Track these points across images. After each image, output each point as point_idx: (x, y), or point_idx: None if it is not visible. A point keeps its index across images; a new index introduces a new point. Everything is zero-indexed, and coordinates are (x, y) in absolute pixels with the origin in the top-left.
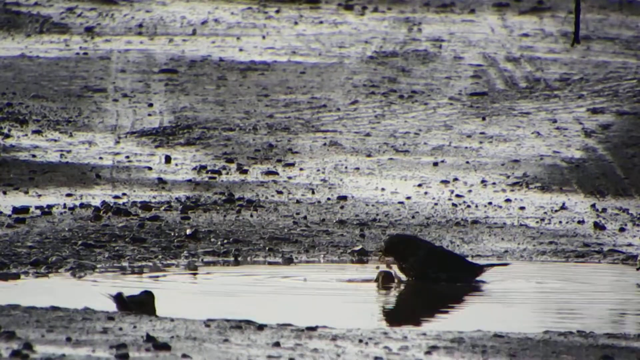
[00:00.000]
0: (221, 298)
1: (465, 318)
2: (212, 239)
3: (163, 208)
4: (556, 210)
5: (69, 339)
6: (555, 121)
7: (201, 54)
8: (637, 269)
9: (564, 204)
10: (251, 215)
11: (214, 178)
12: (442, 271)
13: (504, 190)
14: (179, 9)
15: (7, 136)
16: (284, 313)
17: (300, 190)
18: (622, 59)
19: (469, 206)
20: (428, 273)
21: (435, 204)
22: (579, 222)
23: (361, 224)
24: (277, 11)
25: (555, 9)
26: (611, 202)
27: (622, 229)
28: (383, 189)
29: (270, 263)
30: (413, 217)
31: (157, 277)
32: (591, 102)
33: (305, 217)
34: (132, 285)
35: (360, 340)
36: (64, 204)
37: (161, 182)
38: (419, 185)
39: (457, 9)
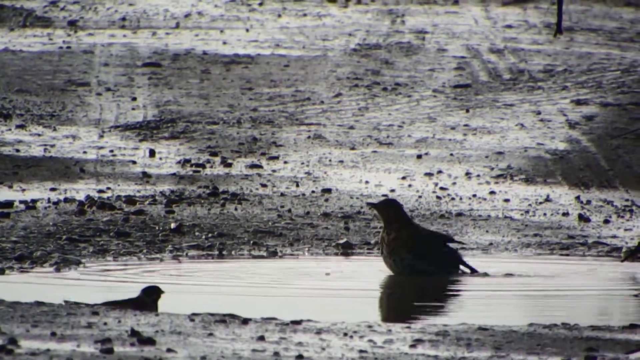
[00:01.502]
0: (205, 292)
1: (450, 311)
2: (197, 233)
3: (147, 202)
4: (541, 203)
5: (53, 334)
6: (539, 113)
7: (185, 47)
8: (622, 261)
9: (548, 196)
10: (235, 209)
11: (198, 172)
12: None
13: (488, 183)
14: (162, 2)
15: None
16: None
17: (284, 184)
18: (606, 50)
19: (453, 199)
20: (403, 259)
21: (420, 196)
22: (563, 214)
23: (345, 217)
24: (261, 4)
25: (538, 0)
26: (596, 194)
27: (606, 221)
28: (367, 182)
29: (254, 257)
30: None
31: (141, 270)
32: (575, 94)
33: (289, 210)
34: (117, 279)
35: (345, 334)
36: (48, 199)
37: (145, 176)
38: (403, 178)
39: (441, 0)
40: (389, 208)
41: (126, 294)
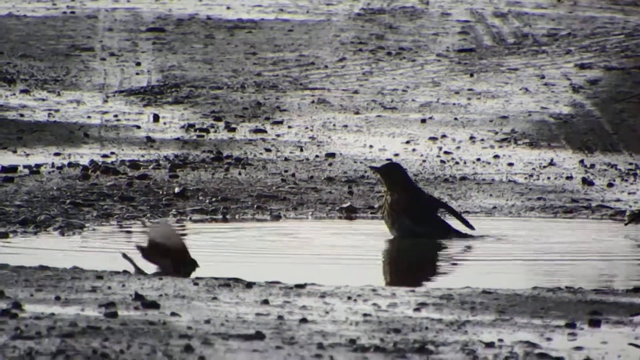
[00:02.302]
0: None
1: (454, 275)
2: (201, 197)
3: (151, 167)
4: (544, 166)
5: (57, 298)
6: (543, 77)
7: (188, 12)
8: (626, 224)
9: (552, 160)
10: (239, 173)
11: (202, 136)
12: (417, 224)
13: (492, 147)
14: None
15: None
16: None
17: (288, 148)
18: (610, 14)
19: (457, 163)
20: (402, 222)
21: (424, 160)
22: (567, 177)
23: (349, 181)
24: None
25: None
26: (599, 158)
27: (610, 185)
28: (371, 146)
29: (258, 220)
30: None
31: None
32: (579, 58)
33: (293, 175)
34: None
35: (349, 298)
36: (52, 163)
37: (149, 141)
38: (407, 142)
39: None
40: (391, 172)
41: (131, 256)
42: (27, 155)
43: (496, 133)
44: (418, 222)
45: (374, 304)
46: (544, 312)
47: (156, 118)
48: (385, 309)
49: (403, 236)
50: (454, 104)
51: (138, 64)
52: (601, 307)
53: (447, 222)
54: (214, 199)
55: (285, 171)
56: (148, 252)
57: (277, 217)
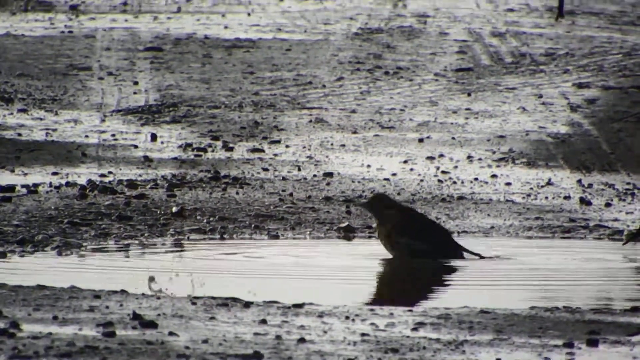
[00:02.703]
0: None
1: (452, 295)
2: (198, 217)
3: (149, 186)
4: (542, 186)
5: (55, 318)
6: (541, 96)
7: (186, 32)
8: (624, 244)
9: (550, 179)
10: (237, 193)
11: (200, 156)
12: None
13: (489, 166)
14: None
15: None
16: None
17: (286, 167)
18: (607, 34)
19: (454, 182)
20: (399, 242)
21: (421, 180)
22: (565, 197)
23: (347, 201)
24: None
25: None
26: (597, 177)
27: (608, 204)
28: (369, 166)
29: (256, 239)
30: (399, 193)
31: (144, 254)
32: (577, 77)
33: (291, 194)
34: (119, 261)
35: (347, 317)
36: (50, 183)
37: (147, 160)
38: (405, 162)
39: None
40: (377, 203)
41: (129, 276)
42: (25, 174)
43: (494, 152)
44: (419, 238)
45: (372, 324)
46: (541, 331)
47: (154, 137)
48: (383, 329)
49: (403, 255)
50: (452, 123)
51: (136, 83)
52: (599, 326)
53: (447, 234)
54: (211, 219)
55: (283, 190)
56: None
57: (274, 237)
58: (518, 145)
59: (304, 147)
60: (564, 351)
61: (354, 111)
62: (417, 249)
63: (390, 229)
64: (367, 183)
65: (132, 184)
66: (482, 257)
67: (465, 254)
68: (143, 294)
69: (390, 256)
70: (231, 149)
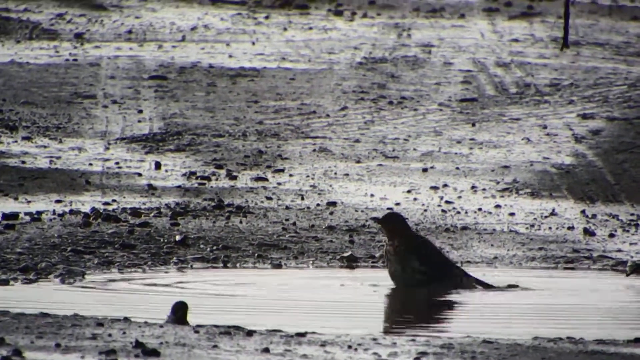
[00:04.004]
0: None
1: (455, 324)
2: (202, 245)
3: (153, 214)
4: (546, 216)
5: (58, 345)
6: (545, 127)
7: (191, 60)
8: (627, 275)
9: (553, 209)
10: (240, 222)
11: (204, 184)
12: (425, 265)
13: (493, 196)
14: (169, 15)
15: None
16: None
17: (289, 196)
18: (612, 65)
19: (458, 212)
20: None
21: (425, 210)
22: (568, 228)
23: (350, 230)
24: (267, 17)
25: (545, 14)
26: (601, 208)
27: (611, 235)
28: (372, 195)
29: (259, 268)
30: None
31: (146, 282)
32: (581, 108)
33: (294, 223)
34: (123, 290)
35: (350, 346)
36: (54, 210)
37: (151, 188)
38: (409, 191)
39: (447, 14)
40: (392, 221)
41: (132, 305)
42: (29, 202)
43: (498, 183)
44: (426, 264)
45: (375, 353)
46: None
47: (158, 166)
48: (385, 358)
49: (407, 281)
50: (456, 153)
51: (140, 111)
52: (602, 357)
53: (452, 262)
54: (215, 247)
55: (286, 220)
56: None
57: (277, 266)
58: (522, 176)
59: (308, 176)
60: None
61: (357, 140)
62: (424, 272)
63: (400, 247)
64: (370, 212)
65: (135, 212)
66: (492, 288)
67: (475, 284)
68: (146, 322)
69: (392, 284)
70: (235, 178)
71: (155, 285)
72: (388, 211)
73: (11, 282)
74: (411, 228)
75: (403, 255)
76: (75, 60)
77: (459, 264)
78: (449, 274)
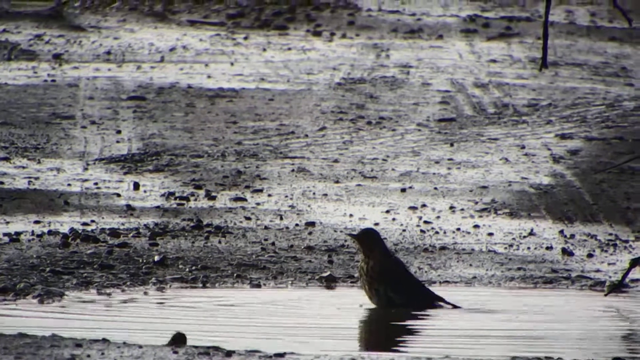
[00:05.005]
0: (189, 323)
1: (434, 344)
2: (180, 266)
3: (131, 234)
4: (524, 236)
5: None
6: (523, 147)
7: (169, 81)
8: (605, 295)
9: (532, 230)
10: (219, 242)
11: (183, 204)
12: (395, 293)
13: (472, 216)
14: (147, 35)
15: None
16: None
17: (268, 217)
18: (590, 85)
19: (437, 232)
20: (379, 290)
21: (404, 230)
22: (547, 248)
23: (329, 250)
24: (246, 38)
25: (523, 34)
26: (579, 228)
27: (590, 255)
28: (351, 215)
29: (237, 289)
30: None
31: (126, 302)
32: (559, 128)
33: (273, 243)
34: (100, 312)
35: None
36: (32, 231)
37: (130, 209)
38: (387, 212)
39: (425, 35)
40: (368, 237)
41: (110, 324)
42: (7, 223)
43: (476, 203)
44: (396, 291)
45: None
46: None
47: (136, 186)
48: None
49: (382, 304)
50: (434, 173)
51: (119, 132)
52: None
53: (426, 288)
54: (193, 268)
55: (265, 240)
56: None
57: (256, 286)
58: (500, 196)
59: (286, 197)
60: None
61: (336, 161)
62: (396, 300)
63: (370, 271)
64: (349, 232)
65: (114, 233)
66: (456, 307)
67: (441, 304)
68: (125, 343)
69: (371, 305)
70: (214, 198)
71: (133, 305)
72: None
73: None
74: (386, 246)
75: (376, 278)
76: (53, 80)
77: (436, 284)
78: (420, 297)
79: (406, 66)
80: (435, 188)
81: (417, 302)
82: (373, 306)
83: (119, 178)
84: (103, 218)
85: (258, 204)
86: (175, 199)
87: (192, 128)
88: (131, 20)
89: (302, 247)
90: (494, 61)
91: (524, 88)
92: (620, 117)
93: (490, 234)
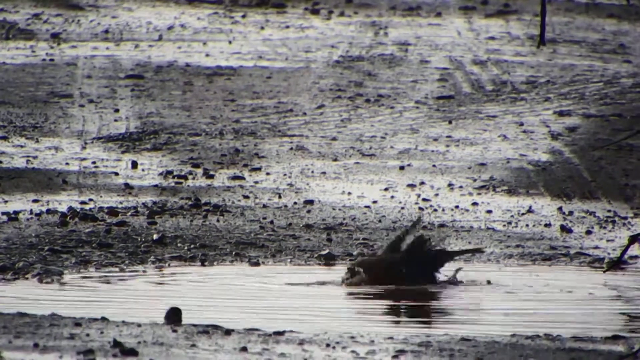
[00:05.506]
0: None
1: (433, 322)
2: (179, 244)
3: (130, 213)
4: (523, 214)
5: (36, 345)
6: (521, 124)
7: (167, 60)
8: (604, 272)
9: (530, 207)
10: (218, 220)
11: (181, 183)
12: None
13: (470, 194)
14: (145, 14)
15: None
16: (251, 317)
17: (266, 195)
18: (589, 62)
19: (435, 210)
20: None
21: (402, 207)
22: (545, 225)
23: (328, 228)
24: (244, 16)
25: (521, 11)
26: (578, 205)
27: (588, 232)
28: (350, 193)
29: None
30: (380, 221)
31: (124, 281)
32: (558, 105)
33: (271, 222)
34: (101, 290)
35: (328, 345)
36: (31, 210)
37: (128, 188)
38: (386, 189)
39: (424, 12)
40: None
41: (109, 303)
42: (6, 202)
43: (474, 180)
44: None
45: (353, 351)
46: (522, 359)
47: (134, 165)
48: (363, 356)
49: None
50: (433, 151)
51: (116, 110)
52: (580, 354)
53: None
54: (192, 246)
55: (264, 218)
56: None
57: (255, 264)
58: (499, 173)
59: (285, 175)
60: None
61: (334, 139)
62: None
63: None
64: (347, 210)
65: (112, 212)
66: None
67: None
68: (124, 322)
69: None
70: (212, 177)
71: (132, 283)
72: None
73: None
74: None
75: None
76: (51, 60)
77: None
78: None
79: (404, 44)
80: (434, 165)
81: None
82: (372, 285)
83: (117, 157)
84: (101, 197)
85: (256, 182)
86: (174, 177)
87: (190, 106)
88: None
89: (301, 225)
90: (492, 38)
91: (522, 65)
92: (618, 94)
93: (489, 211)
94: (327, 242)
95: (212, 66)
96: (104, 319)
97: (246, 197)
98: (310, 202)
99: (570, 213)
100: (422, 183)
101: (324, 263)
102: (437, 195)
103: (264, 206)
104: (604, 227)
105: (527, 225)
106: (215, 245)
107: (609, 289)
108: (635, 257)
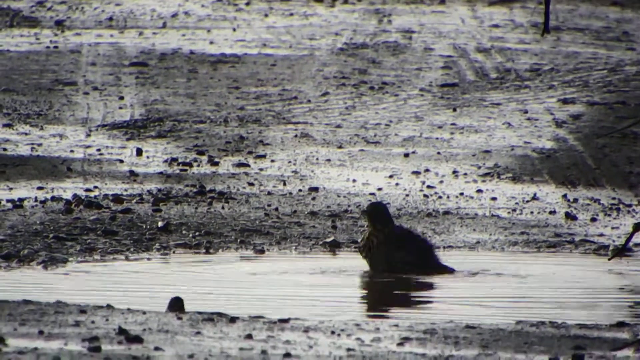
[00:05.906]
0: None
1: (438, 309)
2: (184, 231)
3: (135, 201)
4: (527, 201)
5: (41, 332)
6: (526, 112)
7: (172, 47)
8: (609, 259)
9: (535, 194)
10: (222, 207)
11: (185, 170)
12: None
13: (475, 181)
14: (149, 1)
15: None
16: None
17: (271, 182)
18: (592, 50)
19: (440, 197)
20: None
21: (407, 195)
22: (550, 212)
23: (333, 215)
24: (248, 3)
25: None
26: (582, 192)
27: (593, 219)
28: (354, 180)
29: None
30: None
31: (129, 268)
32: (562, 93)
33: (276, 209)
34: (105, 273)
35: (333, 332)
36: (36, 197)
37: (133, 175)
38: (390, 177)
39: (427, 0)
40: (375, 210)
41: (114, 290)
42: (10, 189)
43: (479, 167)
44: (410, 252)
45: (358, 339)
46: (527, 347)
47: (139, 152)
48: (368, 344)
49: (389, 268)
50: (437, 138)
51: (121, 98)
52: (585, 342)
53: (435, 254)
54: (197, 233)
55: (269, 205)
56: None
57: (260, 252)
58: (503, 161)
59: (290, 162)
60: None
61: (339, 126)
62: (408, 260)
63: (386, 238)
64: (352, 198)
65: (117, 199)
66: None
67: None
68: (129, 309)
69: (372, 271)
70: (217, 164)
71: (137, 271)
72: (372, 201)
73: None
74: (392, 220)
75: (390, 246)
76: (56, 47)
77: (440, 249)
78: (432, 262)
79: (408, 31)
80: (438, 153)
81: (425, 262)
82: (376, 272)
83: (121, 144)
84: (106, 184)
85: (261, 169)
86: (178, 164)
87: (194, 94)
88: None
89: (306, 213)
90: (496, 26)
91: (526, 53)
92: (622, 82)
93: (494, 199)
94: (332, 229)
95: (217, 54)
96: (109, 306)
97: (251, 184)
98: (315, 189)
99: (575, 200)
100: (427, 170)
101: (329, 250)
102: (441, 182)
103: (269, 193)
104: (609, 215)
105: (531, 212)
106: (220, 232)
107: (614, 276)
108: None
